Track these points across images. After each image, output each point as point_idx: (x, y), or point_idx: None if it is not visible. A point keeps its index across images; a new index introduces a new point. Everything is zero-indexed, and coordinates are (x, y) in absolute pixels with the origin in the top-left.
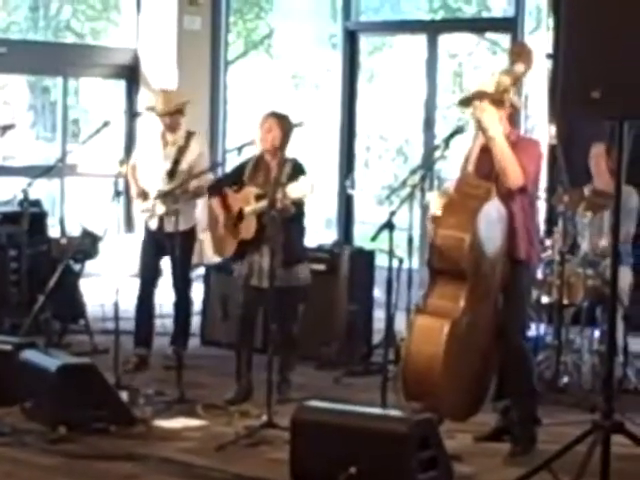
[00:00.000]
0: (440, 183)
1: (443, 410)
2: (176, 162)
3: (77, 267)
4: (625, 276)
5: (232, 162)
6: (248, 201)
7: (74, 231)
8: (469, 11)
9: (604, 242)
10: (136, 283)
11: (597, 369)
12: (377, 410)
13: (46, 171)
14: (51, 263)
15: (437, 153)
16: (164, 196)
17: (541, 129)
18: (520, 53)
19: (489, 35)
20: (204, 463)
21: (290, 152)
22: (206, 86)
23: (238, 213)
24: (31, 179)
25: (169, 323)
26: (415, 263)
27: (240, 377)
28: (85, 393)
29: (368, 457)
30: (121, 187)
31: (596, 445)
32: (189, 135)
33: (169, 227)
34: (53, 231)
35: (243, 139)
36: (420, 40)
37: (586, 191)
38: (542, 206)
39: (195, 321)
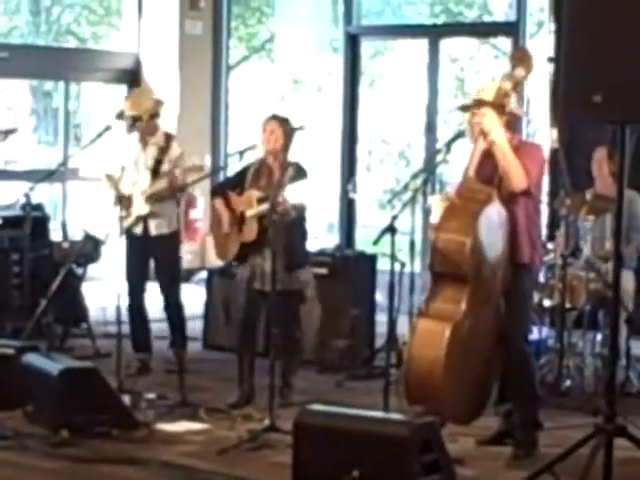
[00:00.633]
0: (442, 187)
1: (445, 413)
2: (158, 162)
3: (79, 271)
4: (628, 280)
5: (234, 167)
6: (250, 204)
7: (76, 235)
8: (470, 15)
9: (608, 245)
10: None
11: (599, 372)
12: (379, 414)
13: (48, 175)
14: (53, 267)
15: (439, 157)
16: (150, 196)
17: (543, 133)
18: (521, 58)
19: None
20: (206, 467)
21: (292, 156)
22: (207, 91)
23: (240, 216)
24: (33, 183)
25: (165, 327)
26: (417, 267)
27: (242, 381)
28: (87, 397)
29: (370, 461)
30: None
31: (599, 449)
32: (168, 137)
33: (154, 231)
34: (55, 235)
35: (245, 143)
36: (422, 44)
37: (588, 195)
38: (544, 210)
39: (197, 325)
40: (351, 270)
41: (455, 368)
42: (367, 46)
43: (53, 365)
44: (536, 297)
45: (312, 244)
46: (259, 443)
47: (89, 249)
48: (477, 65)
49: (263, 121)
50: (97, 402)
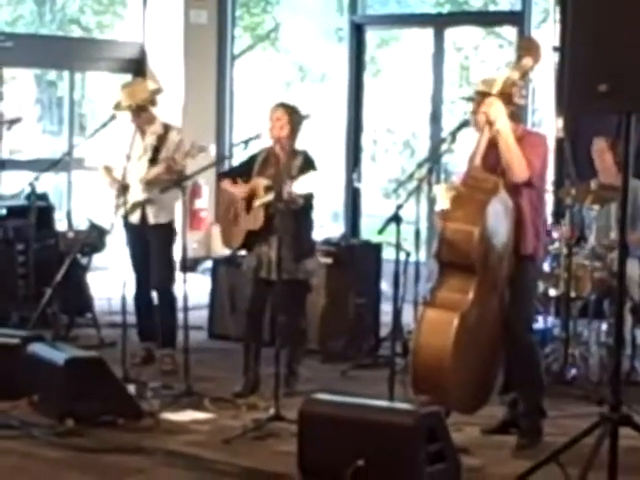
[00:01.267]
0: (447, 176)
1: (450, 403)
2: (156, 150)
3: (84, 261)
4: (633, 268)
5: (239, 156)
6: (257, 192)
7: (81, 225)
8: (476, 4)
9: (613, 235)
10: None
11: (605, 362)
12: (385, 403)
13: (53, 165)
14: (58, 257)
15: (444, 146)
16: (148, 183)
17: (548, 122)
18: (529, 48)
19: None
20: (211, 456)
21: (298, 145)
22: (212, 80)
23: (247, 204)
24: (38, 173)
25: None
26: (422, 256)
27: (248, 370)
28: (93, 386)
29: (376, 450)
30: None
31: (604, 438)
32: (167, 126)
33: (152, 219)
34: (60, 225)
35: (250, 133)
36: (427, 33)
37: (593, 184)
38: (549, 199)
39: (203, 314)
40: (356, 259)
41: (462, 357)
42: (372, 35)
43: (58, 355)
44: (541, 286)
45: (317, 233)
46: (264, 432)
47: (94, 239)
48: (482, 54)
49: (270, 109)
50: (102, 391)
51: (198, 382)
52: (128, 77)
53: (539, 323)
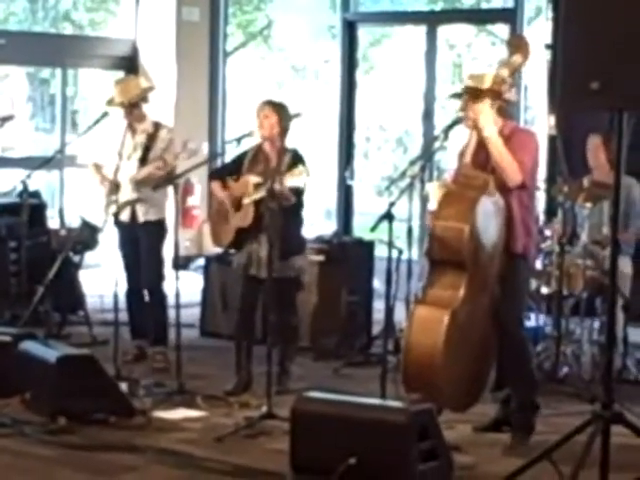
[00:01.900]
0: (440, 174)
1: (442, 400)
2: (147, 149)
3: (76, 258)
4: (625, 266)
5: (231, 153)
6: (247, 190)
7: (73, 222)
8: (468, 2)
9: (606, 232)
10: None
11: (597, 359)
12: (376, 401)
13: (45, 162)
14: (50, 254)
15: (436, 144)
16: (139, 182)
17: (540, 120)
18: (518, 45)
19: (488, 26)
20: (204, 454)
21: (290, 143)
22: (205, 77)
23: (237, 202)
24: (30, 170)
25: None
26: (414, 254)
27: (240, 368)
28: (85, 384)
29: (368, 448)
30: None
31: (596, 435)
32: (157, 125)
33: (141, 217)
34: (52, 222)
35: (242, 130)
36: (419, 31)
37: (585, 182)
38: (541, 197)
39: (195, 312)
40: (348, 257)
41: (453, 355)
42: (365, 33)
43: (50, 352)
44: (533, 284)
45: (309, 231)
46: (256, 430)
47: (86, 236)
48: (475, 52)
49: (257, 106)
50: (94, 389)
51: (190, 380)
52: (120, 74)
53: (531, 321)
